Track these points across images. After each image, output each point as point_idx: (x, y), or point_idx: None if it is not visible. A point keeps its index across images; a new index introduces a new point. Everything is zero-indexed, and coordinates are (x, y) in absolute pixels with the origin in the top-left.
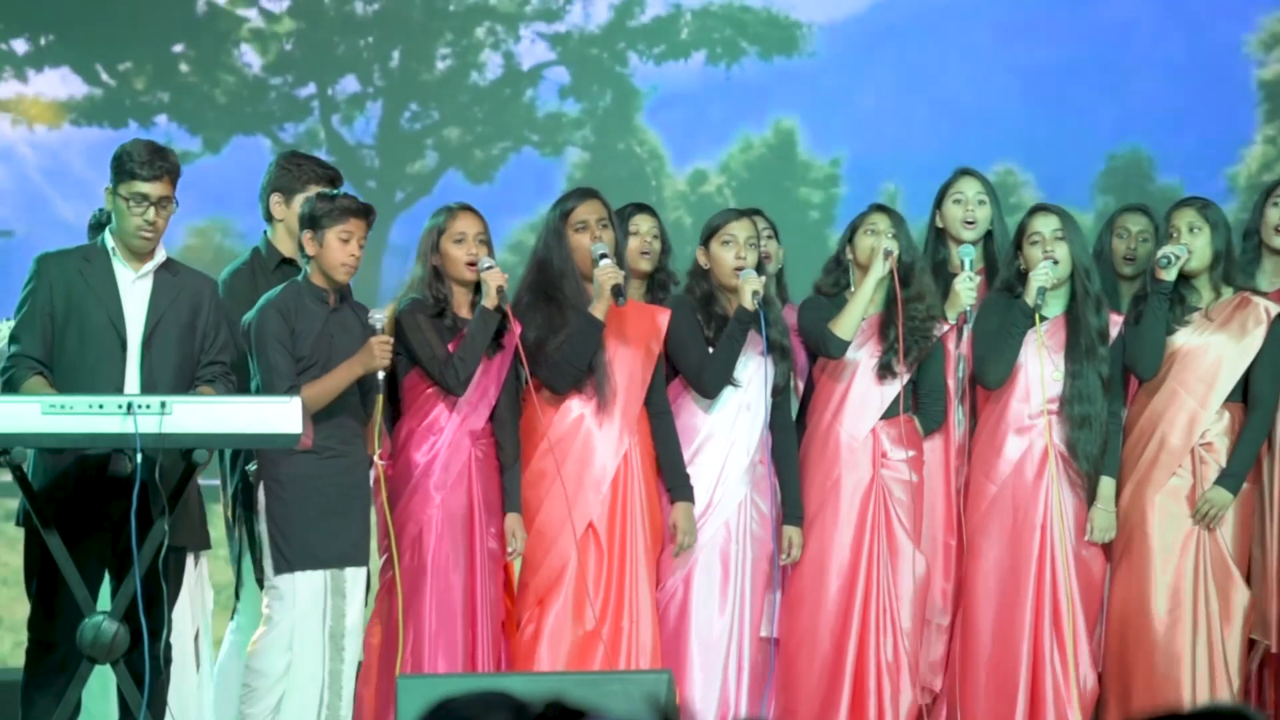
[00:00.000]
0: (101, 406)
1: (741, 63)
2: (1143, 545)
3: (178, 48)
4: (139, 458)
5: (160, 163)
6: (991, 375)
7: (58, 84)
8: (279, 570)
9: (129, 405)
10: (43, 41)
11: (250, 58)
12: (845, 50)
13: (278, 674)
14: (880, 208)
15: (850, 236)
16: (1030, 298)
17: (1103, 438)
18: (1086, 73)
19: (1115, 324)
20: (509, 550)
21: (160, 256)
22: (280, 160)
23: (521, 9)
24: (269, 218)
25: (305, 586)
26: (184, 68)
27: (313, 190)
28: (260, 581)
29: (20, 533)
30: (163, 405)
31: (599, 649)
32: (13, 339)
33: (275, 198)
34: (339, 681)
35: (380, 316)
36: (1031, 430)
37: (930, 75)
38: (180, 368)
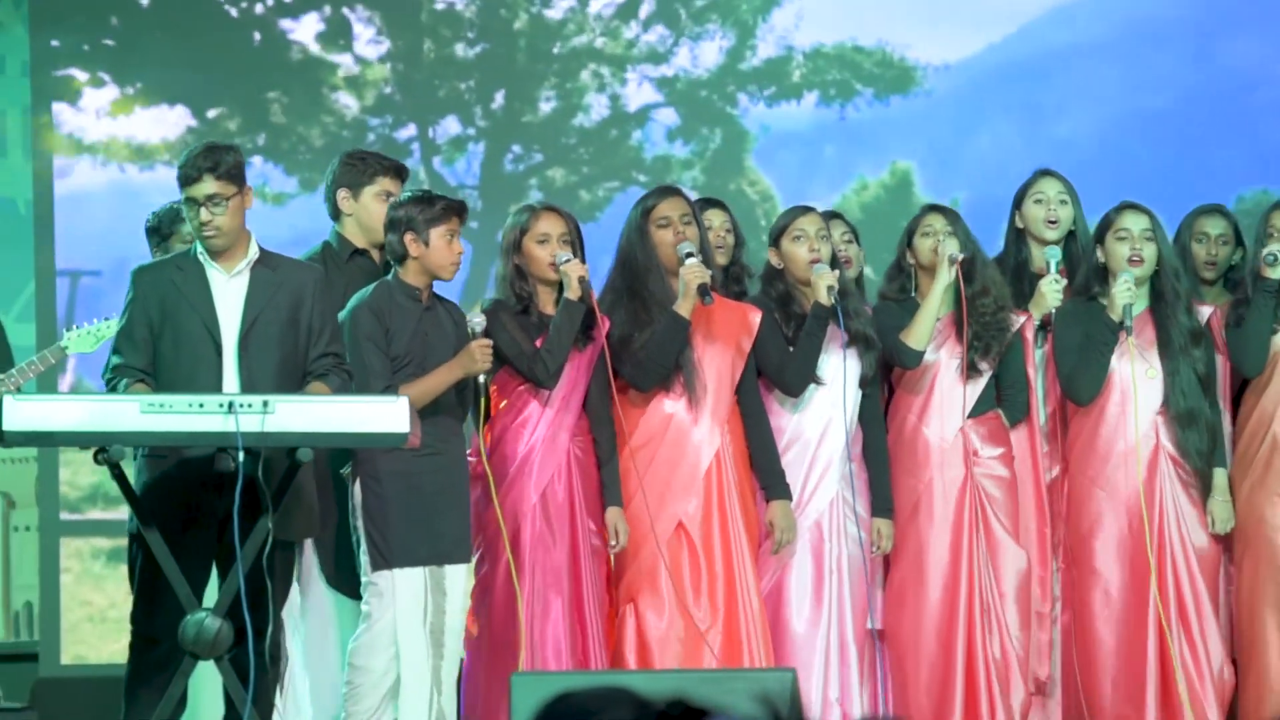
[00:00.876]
0: (202, 405)
1: (855, 103)
2: (1263, 545)
3: (271, 94)
4: (240, 456)
5: (200, 163)
6: (1083, 393)
7: (149, 125)
8: (377, 567)
9: (230, 404)
10: (133, 89)
11: (348, 100)
12: (962, 91)
13: (382, 670)
14: (934, 208)
15: (909, 240)
16: (1116, 314)
17: (1210, 433)
18: (1213, 114)
19: (1203, 314)
20: (611, 545)
21: (253, 253)
22: (344, 158)
23: (628, 52)
24: (336, 214)
25: (405, 584)
26: (278, 117)
27: (381, 183)
28: (330, 580)
29: (107, 570)
30: (265, 404)
31: (708, 648)
32: (114, 352)
33: (343, 193)
34: (439, 678)
35: (479, 320)
36: (1137, 433)
37: (1050, 116)
38: (283, 365)
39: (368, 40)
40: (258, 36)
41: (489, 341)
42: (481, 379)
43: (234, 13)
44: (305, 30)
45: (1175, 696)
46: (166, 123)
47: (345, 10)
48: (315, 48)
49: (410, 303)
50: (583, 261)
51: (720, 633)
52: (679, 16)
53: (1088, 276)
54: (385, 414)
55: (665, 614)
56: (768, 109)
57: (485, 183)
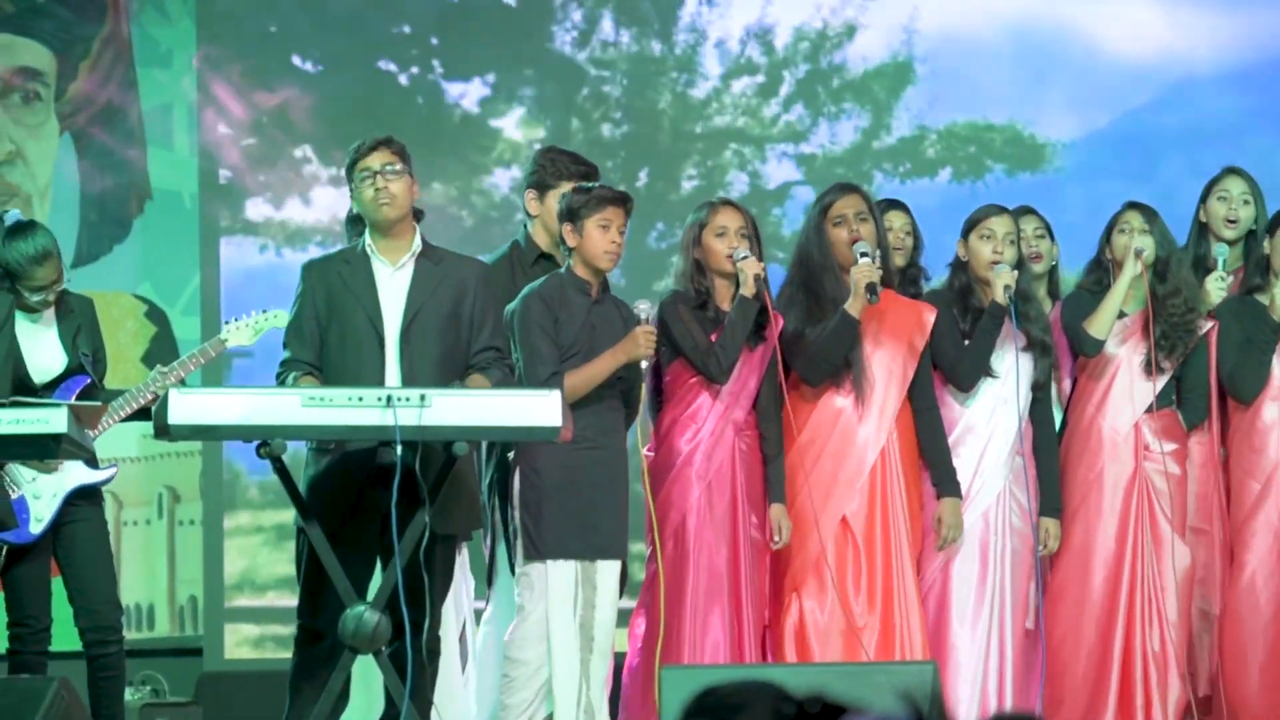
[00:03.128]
0: (361, 399)
1: (986, 180)
2: None
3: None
4: (399, 449)
5: (372, 140)
6: (1245, 390)
7: (300, 209)
8: (529, 558)
9: (388, 398)
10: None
11: (498, 179)
12: (1091, 165)
13: (537, 663)
14: (1134, 205)
15: (1108, 236)
16: (1277, 314)
17: None
18: None
19: None
20: (774, 541)
21: (417, 245)
22: (538, 156)
23: (769, 131)
24: (528, 213)
25: (557, 576)
26: (433, 198)
27: (566, 186)
28: (513, 569)
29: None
30: (422, 398)
31: (866, 643)
32: (284, 345)
33: (530, 194)
34: (588, 671)
35: (646, 307)
36: None
37: (1184, 191)
38: (444, 358)
39: (518, 122)
40: (420, 100)
41: (653, 329)
42: (644, 365)
43: (404, 78)
44: (468, 100)
45: None
46: (323, 203)
47: (512, 82)
48: (472, 120)
49: (580, 295)
50: (760, 259)
51: (876, 630)
52: (818, 95)
53: (1251, 272)
54: (538, 408)
55: (827, 608)
56: (901, 185)
57: (628, 260)
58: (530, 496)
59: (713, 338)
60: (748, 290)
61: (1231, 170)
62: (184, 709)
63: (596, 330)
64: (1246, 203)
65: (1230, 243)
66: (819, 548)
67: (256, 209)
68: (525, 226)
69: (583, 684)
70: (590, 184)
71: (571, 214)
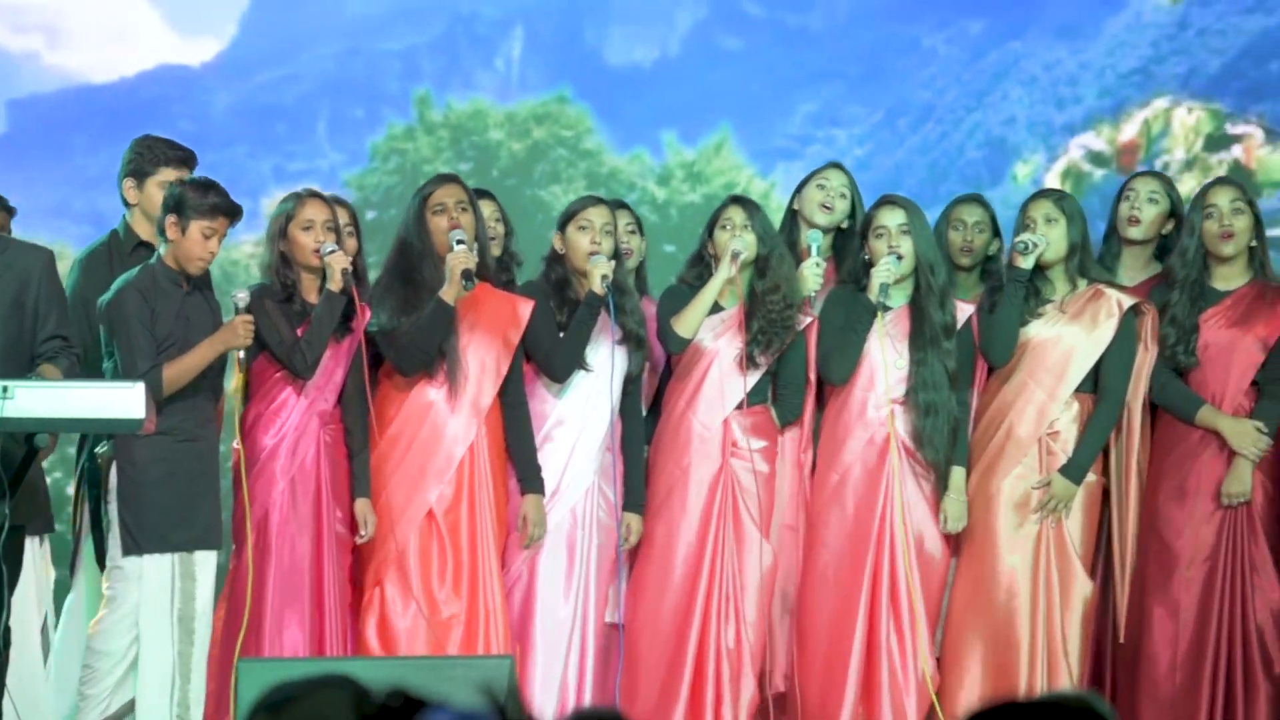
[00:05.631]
0: None
1: None
2: (986, 534)
3: None
4: None
5: None
6: (836, 371)
7: None
8: (127, 552)
9: None
10: None
11: None
12: None
13: (119, 655)
14: (736, 199)
15: (710, 231)
16: (873, 294)
17: (949, 426)
18: None
19: (964, 312)
20: (359, 535)
21: None
22: (134, 145)
23: None
24: (126, 203)
25: (153, 569)
26: None
27: (166, 173)
28: (101, 562)
29: None
30: (4, 390)
31: (450, 635)
32: None
33: (128, 183)
34: (188, 665)
35: (244, 296)
36: (875, 419)
37: None
38: (9, 349)
39: None
40: None
41: (250, 318)
42: (242, 354)
43: None
44: None
45: (877, 682)
46: None
47: None
48: None
49: (172, 286)
50: (352, 250)
51: (462, 622)
52: None
53: (854, 268)
54: (121, 400)
55: (410, 600)
56: None
57: None
58: (128, 490)
59: (300, 332)
60: (334, 285)
61: (834, 165)
62: None
63: (190, 320)
64: (844, 196)
65: (825, 230)
66: (404, 539)
67: None
68: (124, 216)
69: (178, 677)
70: (211, 182)
71: (180, 208)
